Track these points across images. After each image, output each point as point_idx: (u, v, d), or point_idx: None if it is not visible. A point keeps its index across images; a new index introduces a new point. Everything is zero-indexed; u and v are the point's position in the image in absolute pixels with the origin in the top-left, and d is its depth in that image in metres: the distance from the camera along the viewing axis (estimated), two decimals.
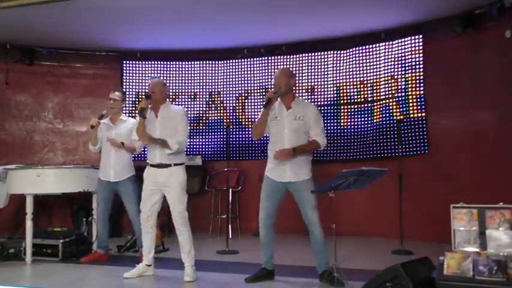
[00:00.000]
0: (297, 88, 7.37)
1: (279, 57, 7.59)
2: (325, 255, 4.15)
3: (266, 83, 7.62)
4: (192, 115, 7.86)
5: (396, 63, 6.83)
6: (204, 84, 7.91)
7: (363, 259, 5.35)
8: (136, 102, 7.65)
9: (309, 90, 7.43)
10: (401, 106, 6.73)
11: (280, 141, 4.20)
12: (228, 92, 7.85)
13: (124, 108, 5.85)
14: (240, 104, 7.79)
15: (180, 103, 7.78)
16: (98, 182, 5.32)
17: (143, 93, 7.27)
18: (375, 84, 7.02)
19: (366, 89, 7.10)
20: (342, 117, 7.22)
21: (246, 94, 7.77)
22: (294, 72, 7.18)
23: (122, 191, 5.25)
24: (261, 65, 7.70)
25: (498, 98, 5.89)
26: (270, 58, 7.63)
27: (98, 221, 5.36)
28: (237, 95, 7.81)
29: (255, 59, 7.72)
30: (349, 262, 4.62)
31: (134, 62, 7.87)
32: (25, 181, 5.17)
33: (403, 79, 6.75)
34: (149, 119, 4.43)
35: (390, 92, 6.86)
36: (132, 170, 5.29)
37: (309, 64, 7.45)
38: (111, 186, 5.27)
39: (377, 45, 7.00)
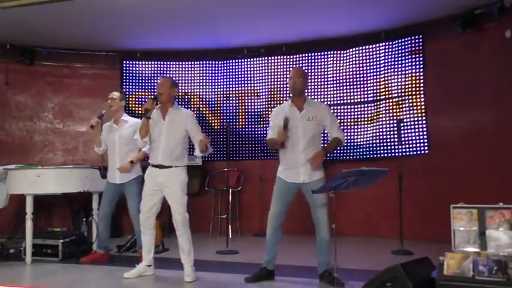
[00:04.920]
0: None
1: (279, 57, 7.59)
2: (327, 256, 4.15)
3: (266, 83, 7.63)
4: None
5: (396, 63, 6.83)
6: (204, 84, 7.91)
7: (363, 259, 5.35)
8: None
9: (309, 91, 7.42)
10: (401, 106, 6.73)
11: (293, 143, 4.20)
12: (227, 92, 7.85)
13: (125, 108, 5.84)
14: (240, 104, 7.79)
15: (179, 103, 7.77)
16: (106, 182, 5.32)
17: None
18: (374, 84, 7.02)
19: (366, 89, 7.10)
20: (342, 118, 7.21)
21: (246, 94, 7.77)
22: None
23: (127, 191, 5.23)
24: (261, 65, 7.70)
25: (498, 98, 5.89)
26: (270, 58, 7.63)
27: (100, 221, 5.34)
28: (237, 95, 7.81)
29: (255, 59, 7.72)
30: (349, 262, 4.61)
31: (134, 62, 7.87)
32: (25, 181, 5.17)
33: (403, 79, 6.75)
34: (156, 120, 4.42)
35: (390, 92, 6.86)
36: (138, 170, 5.26)
37: (309, 64, 7.45)
38: (116, 188, 5.26)
39: (377, 45, 7.00)
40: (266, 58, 7.65)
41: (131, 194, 5.19)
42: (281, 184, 4.28)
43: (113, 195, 5.29)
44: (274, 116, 4.36)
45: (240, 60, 7.79)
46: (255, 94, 7.72)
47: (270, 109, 7.24)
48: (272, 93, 7.57)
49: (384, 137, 6.80)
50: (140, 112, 7.10)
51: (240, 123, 7.76)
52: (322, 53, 7.40)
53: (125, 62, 7.87)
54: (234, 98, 7.82)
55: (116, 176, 5.21)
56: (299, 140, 4.19)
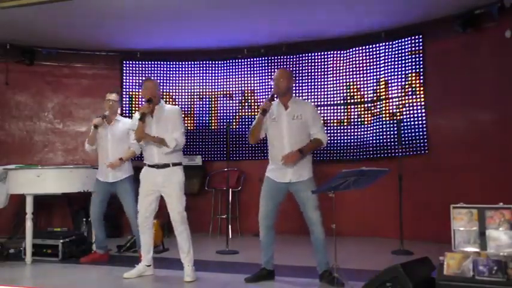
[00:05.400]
0: (297, 88, 7.38)
1: (279, 57, 7.59)
2: (325, 255, 4.15)
3: (266, 83, 7.62)
4: (192, 115, 7.87)
5: (396, 63, 6.83)
6: (204, 84, 7.91)
7: (363, 259, 5.35)
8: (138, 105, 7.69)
9: (309, 91, 7.43)
10: (401, 106, 6.73)
11: (280, 142, 4.20)
12: (227, 92, 7.85)
13: (120, 109, 5.86)
14: (240, 104, 7.79)
15: (179, 103, 7.79)
16: (96, 182, 5.31)
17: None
18: (374, 84, 7.02)
19: (365, 89, 7.10)
20: (342, 117, 7.21)
21: (246, 94, 7.77)
22: (294, 72, 7.22)
23: (120, 192, 5.24)
24: (261, 65, 7.70)
25: (498, 98, 5.89)
26: (270, 58, 7.63)
27: (94, 222, 5.33)
28: (237, 95, 7.81)
29: (255, 59, 7.72)
30: (349, 262, 4.61)
31: (134, 62, 7.87)
32: (25, 181, 5.16)
33: (403, 79, 6.75)
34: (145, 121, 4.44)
35: (390, 92, 6.86)
36: (130, 169, 5.28)
37: (309, 64, 7.45)
38: (108, 187, 5.26)
39: (377, 45, 7.00)
40: (266, 58, 7.66)
41: (125, 195, 5.20)
42: (269, 184, 4.26)
43: (105, 194, 5.29)
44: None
45: (240, 60, 7.79)
46: (255, 94, 7.72)
47: None
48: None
49: (384, 137, 6.80)
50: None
51: (241, 123, 7.76)
52: (322, 53, 7.40)
53: (124, 62, 7.87)
54: (233, 98, 7.82)
55: (109, 174, 5.22)
56: (284, 138, 4.18)
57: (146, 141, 4.38)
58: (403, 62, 6.77)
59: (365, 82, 7.11)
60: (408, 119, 6.63)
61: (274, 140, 4.25)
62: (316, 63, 7.43)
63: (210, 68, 7.91)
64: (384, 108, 6.89)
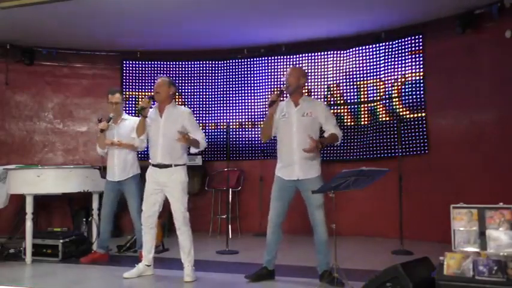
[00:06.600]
0: None
1: (279, 57, 7.59)
2: (326, 256, 4.15)
3: (266, 83, 7.63)
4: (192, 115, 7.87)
5: (396, 63, 6.83)
6: (204, 84, 7.92)
7: (363, 259, 5.35)
8: (138, 102, 7.68)
9: (309, 91, 7.43)
10: (401, 106, 6.73)
11: (289, 139, 4.21)
12: (227, 92, 7.85)
13: (124, 108, 5.85)
14: (240, 104, 7.79)
15: (179, 103, 7.78)
16: (106, 182, 5.31)
17: (146, 94, 7.28)
18: (374, 84, 7.02)
19: (365, 89, 7.10)
20: (342, 117, 7.21)
21: (246, 94, 7.77)
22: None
23: (126, 190, 5.24)
24: (261, 65, 7.70)
25: (498, 98, 5.89)
26: (270, 58, 7.63)
27: (102, 221, 5.33)
28: (237, 95, 7.81)
29: (255, 59, 7.72)
30: (349, 262, 4.61)
31: (134, 62, 7.88)
32: (25, 181, 5.16)
33: (403, 79, 6.75)
34: (154, 119, 4.45)
35: (390, 92, 6.86)
36: (137, 168, 5.27)
37: (309, 64, 7.45)
38: (116, 187, 5.26)
39: (377, 45, 7.00)
40: (266, 58, 7.65)
41: (131, 194, 5.20)
42: (279, 182, 4.28)
43: (114, 193, 5.29)
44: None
45: (240, 60, 7.79)
46: (255, 94, 7.72)
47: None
48: (271, 93, 7.56)
49: (384, 137, 6.80)
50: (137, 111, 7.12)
51: (241, 123, 7.75)
52: (322, 53, 7.40)
53: (125, 62, 7.87)
54: (234, 98, 7.82)
55: (115, 173, 5.22)
56: (293, 135, 4.19)
57: (184, 143, 4.34)
58: (403, 62, 6.77)
59: (365, 82, 7.11)
60: (408, 119, 6.63)
61: (284, 137, 4.26)
62: (316, 63, 7.42)
63: (210, 68, 7.91)
64: (384, 108, 6.89)
